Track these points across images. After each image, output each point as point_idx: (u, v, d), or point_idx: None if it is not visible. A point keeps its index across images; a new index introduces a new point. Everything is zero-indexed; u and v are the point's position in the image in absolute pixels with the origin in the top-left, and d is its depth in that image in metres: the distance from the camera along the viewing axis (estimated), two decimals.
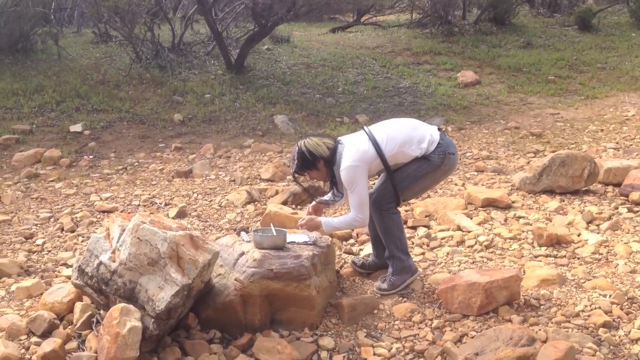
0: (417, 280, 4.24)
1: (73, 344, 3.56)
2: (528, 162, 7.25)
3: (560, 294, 3.97)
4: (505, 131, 9.17)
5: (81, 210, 6.12)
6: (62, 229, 5.65)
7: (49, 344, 3.40)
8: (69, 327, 3.71)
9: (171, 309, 3.40)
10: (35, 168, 7.88)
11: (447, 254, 4.68)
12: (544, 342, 3.45)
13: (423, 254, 4.72)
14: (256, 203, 6.20)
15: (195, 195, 6.58)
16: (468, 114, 10.32)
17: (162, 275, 3.45)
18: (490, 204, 5.62)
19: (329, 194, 4.27)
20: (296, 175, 4.10)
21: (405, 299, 4.08)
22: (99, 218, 5.95)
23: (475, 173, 6.89)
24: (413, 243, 4.90)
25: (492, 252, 4.67)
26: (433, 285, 4.20)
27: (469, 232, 5.03)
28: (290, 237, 4.10)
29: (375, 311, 3.99)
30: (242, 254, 3.87)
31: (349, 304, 3.94)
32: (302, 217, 4.20)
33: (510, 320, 3.72)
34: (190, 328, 3.73)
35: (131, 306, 3.36)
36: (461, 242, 4.89)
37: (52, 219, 5.96)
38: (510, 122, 9.59)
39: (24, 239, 5.39)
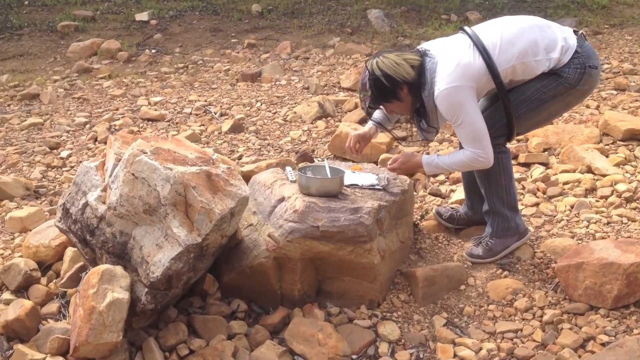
0: (525, 246, 3.17)
1: (53, 306, 2.81)
2: None
3: None
4: None
5: (123, 117, 5.35)
6: (96, 139, 4.91)
7: (14, 309, 2.65)
8: (55, 280, 2.96)
9: (172, 277, 2.54)
10: (90, 62, 7.19)
11: (571, 207, 3.54)
12: None
13: (537, 205, 3.61)
14: (329, 118, 5.20)
15: (258, 104, 5.65)
16: (607, 15, 8.66)
17: (163, 228, 2.57)
18: (634, 136, 4.34)
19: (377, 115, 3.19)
20: (371, 110, 3.04)
21: (506, 273, 3.04)
22: (142, 127, 5.17)
23: (614, 92, 5.53)
24: (524, 188, 3.78)
25: (635, 209, 3.49)
26: (548, 255, 3.13)
27: (604, 176, 3.84)
28: (352, 177, 3.11)
29: (463, 287, 2.99)
30: (282, 199, 2.92)
31: (426, 276, 2.95)
32: (393, 157, 3.15)
33: None
34: (208, 295, 2.89)
35: (118, 268, 2.53)
36: (591, 191, 3.73)
37: (87, 126, 5.23)
38: None
39: (48, 150, 4.70)
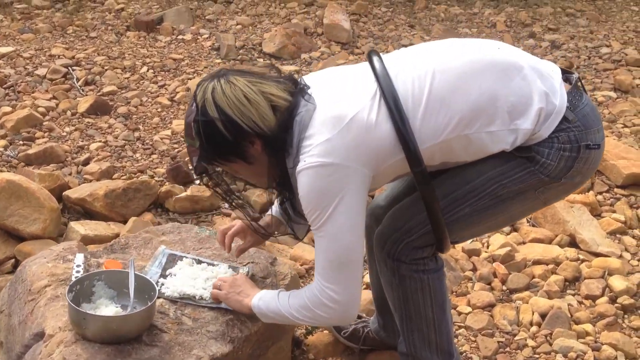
0: None
1: None
2: None
3: None
4: None
5: None
6: None
7: None
8: None
9: None
10: None
11: (542, 318, 2.41)
12: None
13: (490, 307, 2.47)
14: None
15: (144, 69, 4.34)
16: None
17: None
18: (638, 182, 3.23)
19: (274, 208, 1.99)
20: (203, 169, 1.76)
21: None
22: None
23: (613, 94, 4.32)
24: (475, 270, 2.64)
25: (639, 331, 2.39)
26: None
27: (595, 255, 2.73)
28: (191, 276, 1.93)
29: None
30: (41, 336, 1.71)
31: None
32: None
33: None
34: None
35: None
36: (573, 281, 2.61)
37: None
38: None
39: None
